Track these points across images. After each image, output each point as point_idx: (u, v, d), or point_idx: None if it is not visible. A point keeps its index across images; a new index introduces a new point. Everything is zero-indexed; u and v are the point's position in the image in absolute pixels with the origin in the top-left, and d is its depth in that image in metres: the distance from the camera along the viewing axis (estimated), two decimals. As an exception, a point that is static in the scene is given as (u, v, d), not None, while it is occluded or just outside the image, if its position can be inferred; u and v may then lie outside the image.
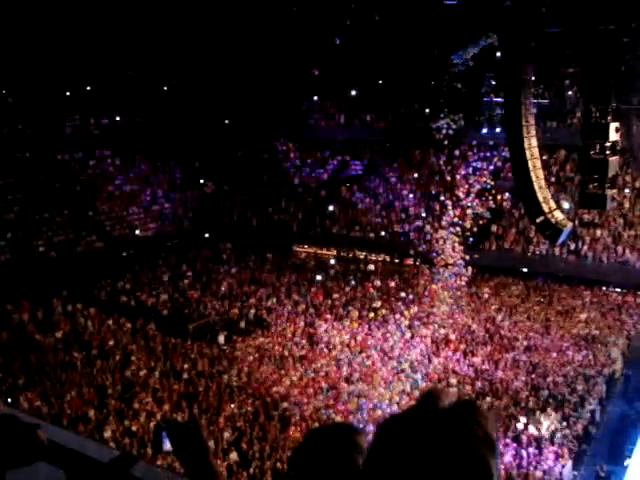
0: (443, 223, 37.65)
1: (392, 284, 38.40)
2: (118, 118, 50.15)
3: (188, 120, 50.07)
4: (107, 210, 45.79)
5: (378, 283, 38.51)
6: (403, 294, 36.36)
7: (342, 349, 29.65)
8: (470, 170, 40.19)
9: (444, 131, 37.03)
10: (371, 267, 42.31)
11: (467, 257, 34.89)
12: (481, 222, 38.91)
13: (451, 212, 37.75)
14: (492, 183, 40.42)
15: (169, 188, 50.35)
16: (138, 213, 47.17)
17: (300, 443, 2.19)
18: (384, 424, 1.47)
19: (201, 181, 52.49)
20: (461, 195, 38.28)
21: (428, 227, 42.50)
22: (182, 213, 49.30)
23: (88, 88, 47.98)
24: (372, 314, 33.51)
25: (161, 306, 35.48)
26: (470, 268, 35.05)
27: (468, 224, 37.09)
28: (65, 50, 40.01)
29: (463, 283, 34.71)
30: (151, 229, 46.69)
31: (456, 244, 35.35)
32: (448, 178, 41.63)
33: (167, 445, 2.76)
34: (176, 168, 51.40)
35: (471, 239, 37.81)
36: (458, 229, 36.34)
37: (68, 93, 46.87)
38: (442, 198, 39.40)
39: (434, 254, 35.90)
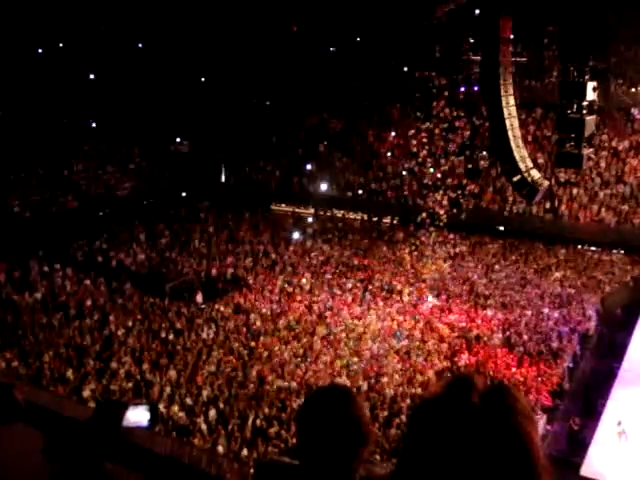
0: (421, 182, 37.74)
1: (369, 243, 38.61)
2: (92, 76, 49.39)
3: (164, 78, 49.43)
4: (82, 169, 45.29)
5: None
6: (381, 254, 36.58)
7: (321, 308, 29.82)
8: (448, 128, 40.09)
9: None
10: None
11: (445, 215, 35.02)
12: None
13: (429, 171, 37.83)
14: (469, 142, 40.46)
15: (145, 147, 49.82)
16: (114, 172, 46.72)
17: (302, 405, 2.23)
18: (418, 409, 1.50)
19: (177, 139, 52.00)
20: (439, 153, 38.33)
21: (406, 186, 42.60)
22: (158, 172, 48.88)
23: (61, 45, 47.16)
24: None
25: (138, 266, 35.36)
26: (447, 226, 35.23)
27: (446, 183, 37.26)
28: (36, 6, 39.23)
29: (441, 241, 34.95)
30: (127, 188, 46.30)
31: (436, 202, 35.50)
32: (426, 136, 41.48)
33: (134, 418, 2.79)
34: (152, 127, 50.80)
35: (449, 197, 37.87)
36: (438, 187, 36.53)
37: (40, 50, 46.04)
38: (420, 156, 39.42)
39: (412, 212, 36.04)
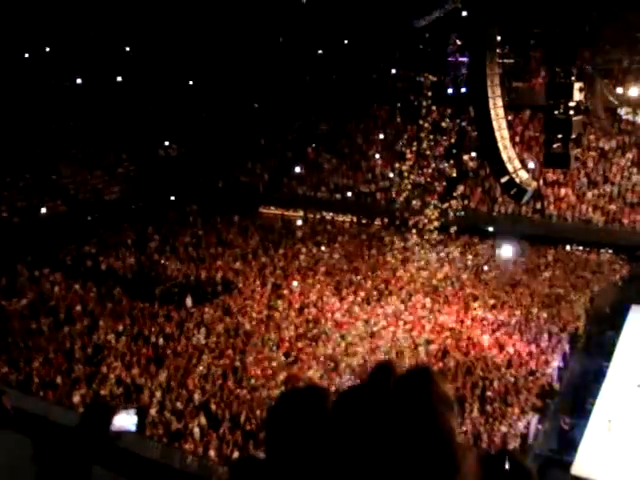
0: (411, 183, 37.78)
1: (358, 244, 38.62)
2: (79, 80, 49.25)
3: (152, 81, 49.34)
4: (70, 174, 45.13)
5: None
6: (369, 255, 36.63)
7: (311, 311, 29.83)
8: (436, 130, 40.14)
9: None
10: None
11: (435, 216, 35.07)
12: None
13: (418, 172, 37.89)
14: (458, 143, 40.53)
15: (133, 151, 49.68)
16: (102, 176, 46.57)
17: (273, 405, 2.22)
18: (341, 397, 1.49)
19: (166, 143, 51.90)
20: (427, 155, 38.37)
21: (394, 188, 42.59)
22: (147, 176, 48.71)
23: (47, 49, 47.01)
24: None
25: (127, 270, 35.26)
26: (436, 222, 35.25)
27: (435, 184, 37.32)
28: (22, 10, 39.10)
29: (430, 243, 34.98)
30: (116, 192, 46.16)
31: (428, 205, 35.55)
32: (414, 138, 41.53)
33: (122, 422, 2.80)
34: (140, 130, 50.67)
35: (437, 199, 37.95)
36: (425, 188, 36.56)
37: (27, 55, 45.89)
38: (409, 158, 39.44)
39: (401, 214, 36.10)
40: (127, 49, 50.40)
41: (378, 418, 1.38)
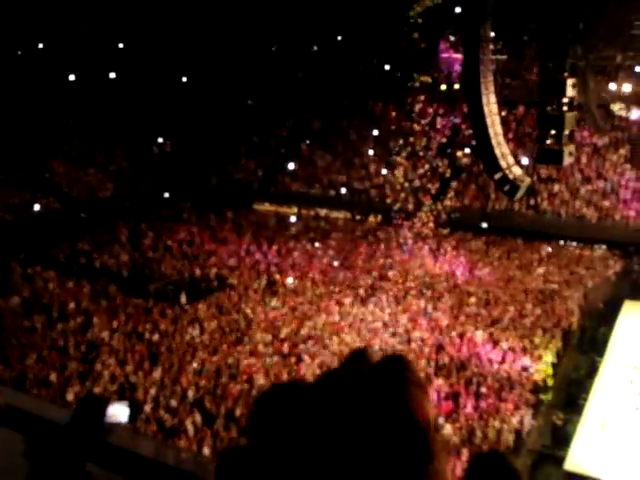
0: (405, 179, 37.86)
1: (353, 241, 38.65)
2: (72, 77, 49.09)
3: (145, 78, 49.22)
4: (64, 171, 45.00)
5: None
6: (364, 252, 36.64)
7: (305, 308, 29.84)
8: (430, 126, 40.17)
9: None
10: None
11: (430, 218, 35.19)
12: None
13: (412, 172, 37.98)
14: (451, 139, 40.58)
15: (127, 148, 49.56)
16: (96, 173, 46.45)
17: (257, 399, 2.22)
18: (316, 382, 1.50)
19: (159, 140, 51.79)
20: (421, 152, 38.41)
21: (388, 184, 42.63)
22: (140, 173, 48.63)
23: (40, 46, 46.86)
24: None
25: (121, 267, 35.20)
26: (431, 224, 35.34)
27: (429, 185, 37.41)
28: (14, 7, 38.97)
29: (424, 240, 35.07)
30: (109, 189, 46.05)
31: (422, 206, 35.67)
32: (408, 134, 41.55)
33: (114, 413, 2.81)
34: (133, 127, 50.54)
35: (431, 198, 38.02)
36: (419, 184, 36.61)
37: (19, 52, 45.73)
38: (403, 154, 39.48)
39: (396, 210, 36.14)
40: (120, 46, 50.23)
41: (351, 404, 1.38)
